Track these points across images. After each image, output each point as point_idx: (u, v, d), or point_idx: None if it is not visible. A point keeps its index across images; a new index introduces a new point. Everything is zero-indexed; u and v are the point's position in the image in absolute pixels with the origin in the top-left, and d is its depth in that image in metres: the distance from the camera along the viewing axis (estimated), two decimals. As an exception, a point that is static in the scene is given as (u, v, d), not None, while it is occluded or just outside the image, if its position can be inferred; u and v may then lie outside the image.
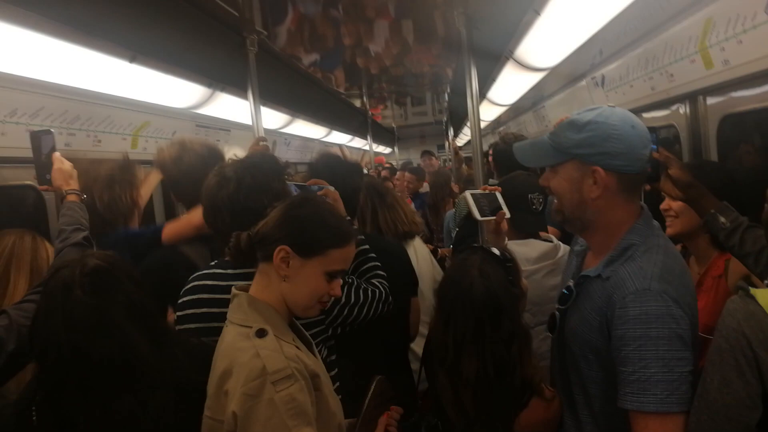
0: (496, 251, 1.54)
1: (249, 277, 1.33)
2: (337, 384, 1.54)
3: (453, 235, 2.79)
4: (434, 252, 3.51)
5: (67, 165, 1.84)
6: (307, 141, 6.80)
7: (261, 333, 1.19)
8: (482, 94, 4.29)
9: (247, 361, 1.14)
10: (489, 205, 1.80)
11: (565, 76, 3.59)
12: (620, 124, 1.26)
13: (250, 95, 3.15)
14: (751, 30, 1.70)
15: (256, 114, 3.18)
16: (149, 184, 2.46)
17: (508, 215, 1.79)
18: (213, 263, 1.58)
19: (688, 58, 2.10)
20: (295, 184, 1.69)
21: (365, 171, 6.42)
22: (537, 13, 2.36)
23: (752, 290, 1.07)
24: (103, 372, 1.19)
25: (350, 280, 1.65)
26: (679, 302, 1.18)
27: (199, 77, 3.14)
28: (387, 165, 8.85)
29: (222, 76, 3.33)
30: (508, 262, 1.53)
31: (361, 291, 1.64)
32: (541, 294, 1.84)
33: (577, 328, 1.33)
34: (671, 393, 1.13)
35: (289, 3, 2.81)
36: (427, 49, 4.11)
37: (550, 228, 2.15)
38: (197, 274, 1.57)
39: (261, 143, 2.51)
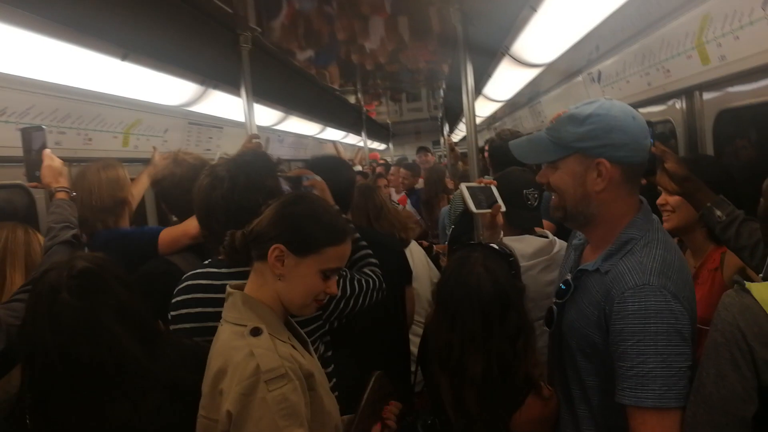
0: (495, 246, 1.54)
1: (243, 276, 1.32)
2: (334, 380, 1.53)
3: (448, 231, 2.79)
4: (429, 248, 3.51)
5: (57, 162, 1.82)
6: (301, 138, 6.77)
7: (256, 332, 1.18)
8: (478, 90, 4.28)
9: (241, 360, 1.13)
10: (485, 198, 1.79)
11: (562, 71, 3.58)
12: (622, 116, 1.26)
13: (243, 92, 3.14)
14: (747, 26, 1.70)
15: (249, 111, 3.16)
16: (141, 184, 2.45)
17: (503, 208, 1.78)
18: (207, 262, 1.57)
19: (685, 53, 2.10)
20: (282, 177, 1.68)
21: (360, 168, 6.45)
22: (533, 8, 2.35)
23: (747, 284, 1.07)
24: (93, 375, 1.17)
25: (344, 272, 1.63)
26: (679, 297, 1.17)
27: (191, 74, 3.11)
28: (381, 161, 8.82)
29: (215, 74, 3.31)
30: (509, 256, 1.52)
31: (356, 282, 1.63)
32: (537, 290, 1.83)
33: (574, 323, 1.32)
34: (670, 388, 1.12)
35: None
36: (423, 45, 4.09)
37: (545, 222, 2.15)
38: (191, 273, 1.55)
39: (254, 140, 2.50)
